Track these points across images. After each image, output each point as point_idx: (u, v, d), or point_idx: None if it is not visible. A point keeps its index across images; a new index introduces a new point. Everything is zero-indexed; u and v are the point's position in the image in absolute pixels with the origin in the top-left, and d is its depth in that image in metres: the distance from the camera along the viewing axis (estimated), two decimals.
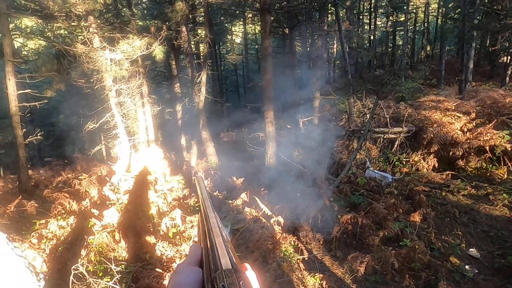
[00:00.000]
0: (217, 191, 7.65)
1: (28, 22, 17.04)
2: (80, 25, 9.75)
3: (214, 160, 11.09)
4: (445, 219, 6.50)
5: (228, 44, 29.80)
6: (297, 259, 4.46)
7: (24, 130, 7.53)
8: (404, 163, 9.45)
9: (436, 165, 8.93)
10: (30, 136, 7.80)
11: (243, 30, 26.05)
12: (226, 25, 22.82)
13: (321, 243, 5.41)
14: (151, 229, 5.21)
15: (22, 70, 9.29)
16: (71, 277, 3.71)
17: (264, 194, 6.94)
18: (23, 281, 2.43)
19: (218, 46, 24.33)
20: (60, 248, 4.70)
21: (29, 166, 9.42)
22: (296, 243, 4.67)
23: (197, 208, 6.60)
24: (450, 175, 8.25)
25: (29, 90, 7.61)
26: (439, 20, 24.85)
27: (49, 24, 10.97)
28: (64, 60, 9.23)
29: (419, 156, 9.40)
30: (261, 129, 18.87)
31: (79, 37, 10.43)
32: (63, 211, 6.37)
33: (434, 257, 4.87)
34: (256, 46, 27.11)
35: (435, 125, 9.74)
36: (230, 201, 6.51)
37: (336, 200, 6.69)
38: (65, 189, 8.10)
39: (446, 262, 4.82)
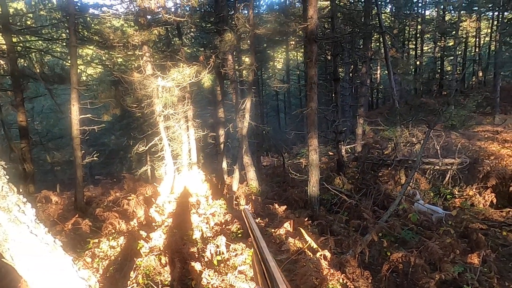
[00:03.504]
0: (258, 218, 7.60)
1: (88, 50, 18.57)
2: (135, 54, 10.52)
3: (255, 185, 11.12)
4: (508, 263, 5.90)
5: (270, 70, 30.43)
6: None
7: (83, 151, 8.08)
8: (457, 197, 8.83)
9: (494, 201, 8.24)
10: (88, 157, 8.39)
11: (285, 56, 26.57)
12: (268, 52, 23.44)
13: (370, 281, 5.11)
14: (196, 255, 5.25)
15: (83, 96, 10.12)
16: None
17: (308, 224, 6.78)
18: None
19: (261, 72, 24.95)
20: (111, 269, 4.88)
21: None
22: (344, 281, 4.45)
23: (239, 236, 6.59)
24: (511, 212, 7.57)
25: (90, 115, 8.23)
26: (493, 46, 23.61)
27: (107, 53, 11.91)
28: (120, 87, 9.97)
29: (474, 190, 8.75)
30: (302, 155, 18.75)
31: (133, 65, 11.24)
32: (113, 231, 6.65)
33: None
34: (298, 72, 27.42)
35: (492, 157, 9.11)
36: (272, 230, 6.42)
37: (385, 235, 6.35)
38: (115, 209, 8.48)
39: None
